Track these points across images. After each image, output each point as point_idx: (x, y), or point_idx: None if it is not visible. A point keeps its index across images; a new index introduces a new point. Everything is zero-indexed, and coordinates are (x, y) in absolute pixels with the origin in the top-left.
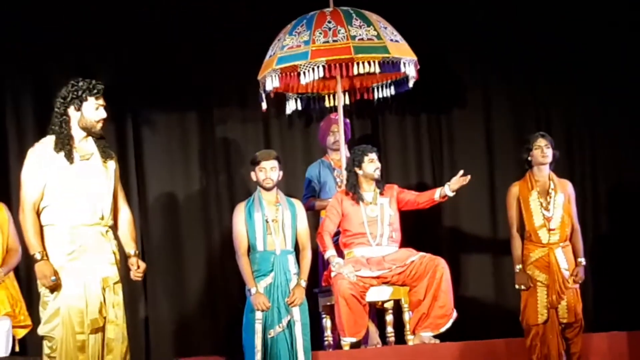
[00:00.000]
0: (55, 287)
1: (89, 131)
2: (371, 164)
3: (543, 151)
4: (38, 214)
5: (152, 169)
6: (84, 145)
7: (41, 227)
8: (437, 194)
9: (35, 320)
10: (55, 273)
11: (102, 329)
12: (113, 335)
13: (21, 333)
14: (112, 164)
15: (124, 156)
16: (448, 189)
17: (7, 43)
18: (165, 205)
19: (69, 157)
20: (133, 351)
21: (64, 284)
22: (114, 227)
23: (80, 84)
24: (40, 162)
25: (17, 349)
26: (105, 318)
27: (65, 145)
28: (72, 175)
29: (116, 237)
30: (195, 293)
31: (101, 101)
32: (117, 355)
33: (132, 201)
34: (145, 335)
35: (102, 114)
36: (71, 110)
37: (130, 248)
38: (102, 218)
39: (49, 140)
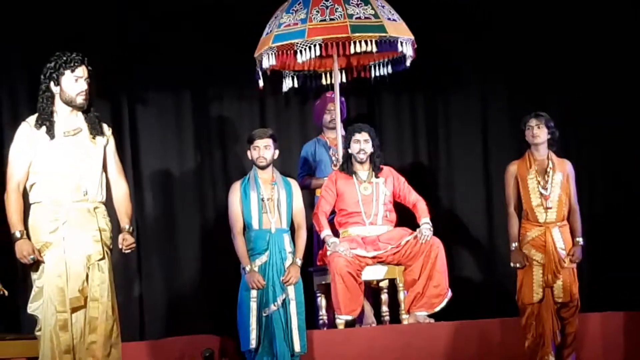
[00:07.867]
0: (35, 266)
1: (72, 105)
2: (356, 145)
3: (533, 131)
4: (26, 192)
5: (147, 147)
6: (72, 120)
7: (30, 205)
8: (421, 221)
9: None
10: (34, 251)
11: (86, 308)
12: (96, 313)
13: None
14: (101, 140)
15: (119, 134)
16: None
17: None
18: (160, 183)
19: (50, 132)
20: (127, 329)
21: (47, 262)
22: (109, 203)
23: (58, 58)
24: (24, 140)
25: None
26: (87, 296)
27: (45, 121)
28: (55, 151)
29: (110, 214)
30: (190, 271)
31: (80, 73)
32: (101, 334)
33: (126, 179)
34: (139, 314)
35: (81, 86)
36: (52, 86)
37: (123, 223)
38: (86, 194)
39: (33, 118)
